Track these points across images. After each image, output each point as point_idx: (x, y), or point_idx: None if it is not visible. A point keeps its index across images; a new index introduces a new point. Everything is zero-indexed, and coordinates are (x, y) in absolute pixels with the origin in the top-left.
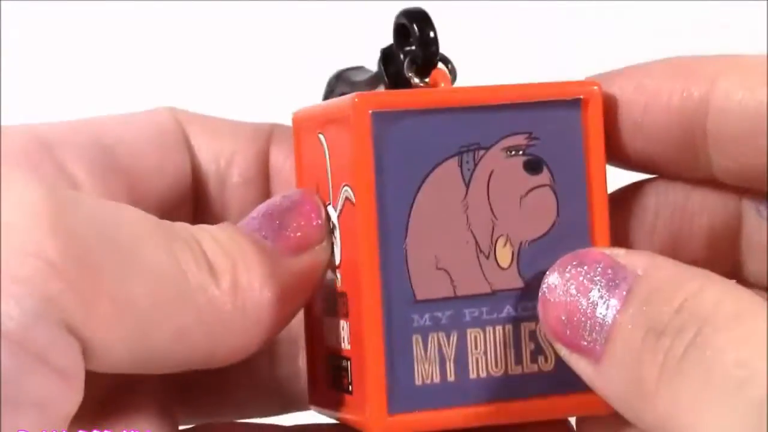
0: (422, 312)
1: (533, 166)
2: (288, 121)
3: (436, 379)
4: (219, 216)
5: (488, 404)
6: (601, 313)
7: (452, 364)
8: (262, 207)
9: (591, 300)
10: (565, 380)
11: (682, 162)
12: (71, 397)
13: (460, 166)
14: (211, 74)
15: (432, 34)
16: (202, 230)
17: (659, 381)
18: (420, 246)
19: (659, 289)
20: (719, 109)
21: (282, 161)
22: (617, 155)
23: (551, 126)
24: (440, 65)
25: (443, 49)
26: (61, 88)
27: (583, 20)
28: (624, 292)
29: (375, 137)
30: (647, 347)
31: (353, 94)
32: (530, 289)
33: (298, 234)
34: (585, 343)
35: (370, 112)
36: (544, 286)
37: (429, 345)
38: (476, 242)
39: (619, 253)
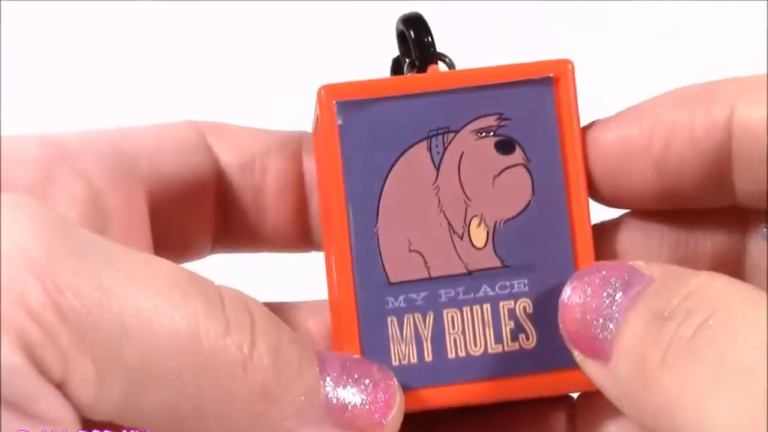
0: (396, 294)
1: (504, 146)
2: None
3: (414, 360)
4: (255, 224)
5: (468, 383)
6: (612, 312)
7: (429, 345)
8: (353, 357)
9: (604, 299)
10: (549, 358)
11: (707, 192)
12: None
13: (429, 150)
14: (213, 80)
15: (428, 38)
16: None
17: (663, 363)
18: (391, 230)
19: (668, 285)
20: (744, 132)
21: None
22: (640, 197)
23: (522, 106)
24: (440, 63)
25: (445, 45)
26: (64, 92)
27: (583, 20)
28: (636, 292)
29: (341, 127)
30: (651, 332)
31: (320, 86)
32: (507, 268)
33: (355, 407)
34: (596, 343)
35: (335, 102)
36: (563, 293)
37: (404, 326)
38: (449, 224)
39: (640, 264)
